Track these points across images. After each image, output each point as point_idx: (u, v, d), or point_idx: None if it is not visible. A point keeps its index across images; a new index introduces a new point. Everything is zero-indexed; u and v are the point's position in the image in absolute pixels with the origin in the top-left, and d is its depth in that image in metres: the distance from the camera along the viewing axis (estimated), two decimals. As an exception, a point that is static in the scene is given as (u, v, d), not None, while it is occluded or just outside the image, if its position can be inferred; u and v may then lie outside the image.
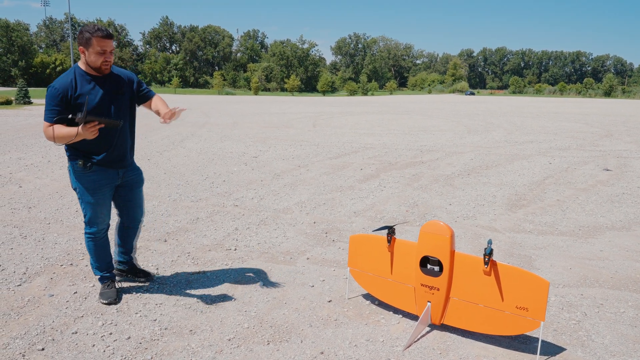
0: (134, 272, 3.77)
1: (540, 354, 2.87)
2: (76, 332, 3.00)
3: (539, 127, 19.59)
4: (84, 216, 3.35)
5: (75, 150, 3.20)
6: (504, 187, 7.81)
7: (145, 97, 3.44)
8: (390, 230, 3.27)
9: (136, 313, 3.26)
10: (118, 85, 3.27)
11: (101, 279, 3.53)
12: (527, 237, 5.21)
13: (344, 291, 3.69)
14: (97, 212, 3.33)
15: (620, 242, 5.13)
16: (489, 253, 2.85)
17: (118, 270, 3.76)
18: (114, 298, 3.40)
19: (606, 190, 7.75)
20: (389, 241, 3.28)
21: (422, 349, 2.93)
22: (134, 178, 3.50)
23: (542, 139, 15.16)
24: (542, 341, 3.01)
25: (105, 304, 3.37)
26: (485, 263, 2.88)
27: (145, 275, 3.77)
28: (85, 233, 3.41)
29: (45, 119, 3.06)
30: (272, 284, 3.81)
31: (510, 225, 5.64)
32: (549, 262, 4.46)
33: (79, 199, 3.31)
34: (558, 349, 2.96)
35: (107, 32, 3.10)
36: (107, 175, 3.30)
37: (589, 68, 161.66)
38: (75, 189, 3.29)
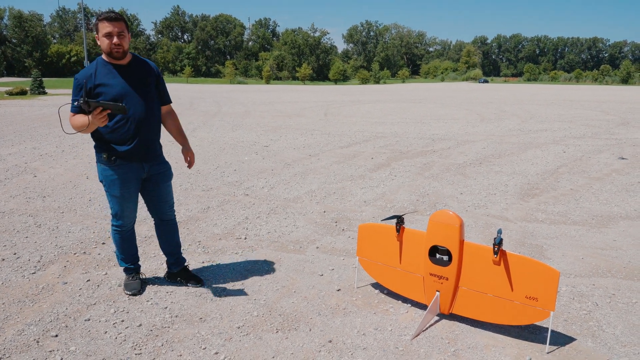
0: (185, 276, 3.61)
1: (550, 344, 2.85)
2: (89, 319, 3.05)
3: (553, 115, 19.32)
4: (111, 209, 3.33)
5: (100, 143, 3.17)
6: (516, 176, 7.74)
7: (160, 100, 3.39)
8: (400, 220, 3.26)
9: (147, 301, 3.31)
10: (142, 75, 3.21)
11: (126, 270, 3.53)
12: (539, 227, 5.17)
13: (353, 280, 3.70)
14: (122, 206, 3.29)
15: (634, 231, 5.06)
16: (498, 242, 2.83)
17: (169, 274, 3.66)
18: (137, 289, 3.42)
19: (621, 179, 7.64)
20: (397, 230, 3.27)
21: (430, 337, 2.94)
22: (161, 172, 3.38)
23: (556, 127, 14.96)
24: (552, 331, 3.00)
25: (129, 295, 3.39)
26: (495, 253, 2.86)
27: (197, 281, 3.58)
28: (112, 225, 3.39)
29: (70, 109, 3.11)
30: (282, 273, 3.83)
31: (522, 215, 5.60)
32: (560, 252, 4.42)
33: (105, 191, 3.29)
34: (568, 339, 2.94)
35: (113, 15, 3.02)
36: (132, 169, 3.21)
37: (606, 55, 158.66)
38: (101, 182, 3.27)
